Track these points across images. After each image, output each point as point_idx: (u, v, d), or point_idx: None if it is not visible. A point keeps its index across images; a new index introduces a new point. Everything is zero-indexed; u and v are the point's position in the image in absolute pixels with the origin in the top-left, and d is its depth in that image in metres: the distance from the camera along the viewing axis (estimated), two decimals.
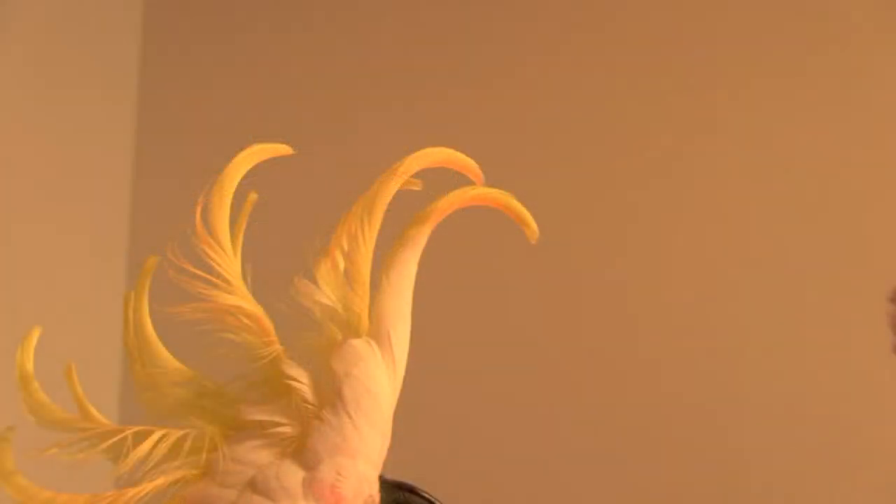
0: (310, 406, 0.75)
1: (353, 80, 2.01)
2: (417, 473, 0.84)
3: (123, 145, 2.09)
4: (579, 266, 1.86)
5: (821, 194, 1.78)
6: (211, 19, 2.11)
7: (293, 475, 0.74)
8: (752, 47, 1.83)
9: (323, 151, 1.95)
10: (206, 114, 2.07)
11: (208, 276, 0.75)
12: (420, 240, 0.79)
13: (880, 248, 1.73)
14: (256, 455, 0.75)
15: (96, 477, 0.79)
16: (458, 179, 0.80)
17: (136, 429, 0.75)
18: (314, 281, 0.77)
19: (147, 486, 0.74)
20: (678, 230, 1.84)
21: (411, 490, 0.79)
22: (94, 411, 0.76)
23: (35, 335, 0.78)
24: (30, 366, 0.78)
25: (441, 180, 0.80)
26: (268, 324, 0.76)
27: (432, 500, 0.79)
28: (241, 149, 0.78)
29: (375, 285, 0.77)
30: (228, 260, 0.76)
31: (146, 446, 0.74)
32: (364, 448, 0.75)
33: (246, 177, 0.78)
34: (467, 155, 0.80)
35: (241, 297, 0.75)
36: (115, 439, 0.75)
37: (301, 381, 0.75)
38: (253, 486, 0.74)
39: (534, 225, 0.80)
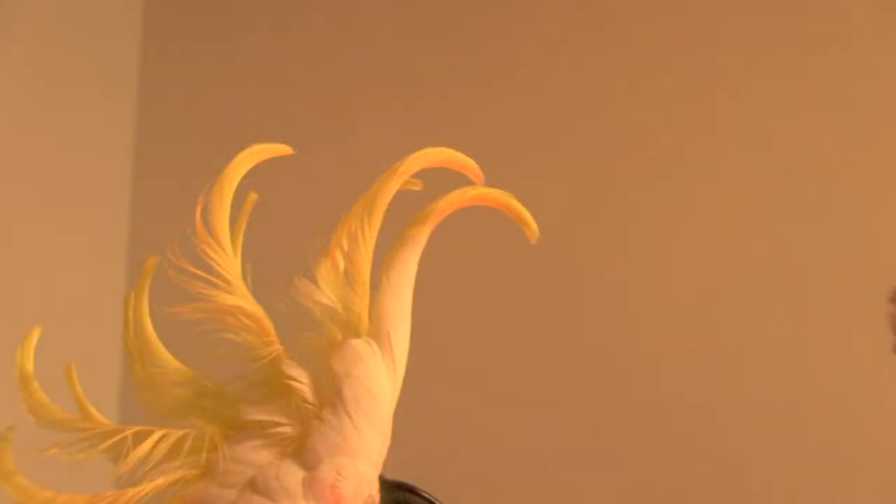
0: (310, 406, 0.75)
1: (353, 80, 2.01)
2: (417, 473, 0.84)
3: (123, 145, 2.09)
4: (579, 266, 1.86)
5: (821, 194, 1.78)
6: (211, 19, 2.11)
7: (293, 475, 0.74)
8: (752, 47, 1.83)
9: (323, 151, 1.95)
10: (206, 114, 2.07)
11: (208, 276, 0.75)
12: (420, 240, 0.79)
13: (880, 248, 1.73)
14: (256, 455, 0.75)
15: (96, 477, 0.79)
16: (458, 179, 0.80)
17: (136, 429, 0.75)
18: (314, 281, 0.77)
19: (147, 486, 0.74)
20: (678, 230, 1.84)
21: (411, 490, 0.79)
22: (94, 411, 0.76)
23: (35, 335, 0.78)
24: (30, 366, 0.78)
25: (441, 180, 0.80)
26: (268, 324, 0.76)
27: (432, 500, 0.79)
28: (241, 149, 0.78)
29: (375, 285, 0.77)
30: (228, 260, 0.76)
31: (146, 446, 0.74)
32: (364, 448, 0.75)
33: (246, 177, 0.78)
34: (467, 155, 0.80)
35: (241, 297, 0.75)
36: (115, 439, 0.75)
37: (301, 381, 0.75)
38: (253, 486, 0.74)
39: (534, 225, 0.80)
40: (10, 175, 1.87)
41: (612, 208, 1.87)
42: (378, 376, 0.76)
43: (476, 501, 1.79)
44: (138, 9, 2.12)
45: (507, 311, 1.89)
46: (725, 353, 1.78)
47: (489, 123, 1.92)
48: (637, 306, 1.83)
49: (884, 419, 1.70)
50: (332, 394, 0.75)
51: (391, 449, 0.77)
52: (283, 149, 0.79)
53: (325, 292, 0.77)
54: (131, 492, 0.74)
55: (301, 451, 0.74)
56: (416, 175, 0.79)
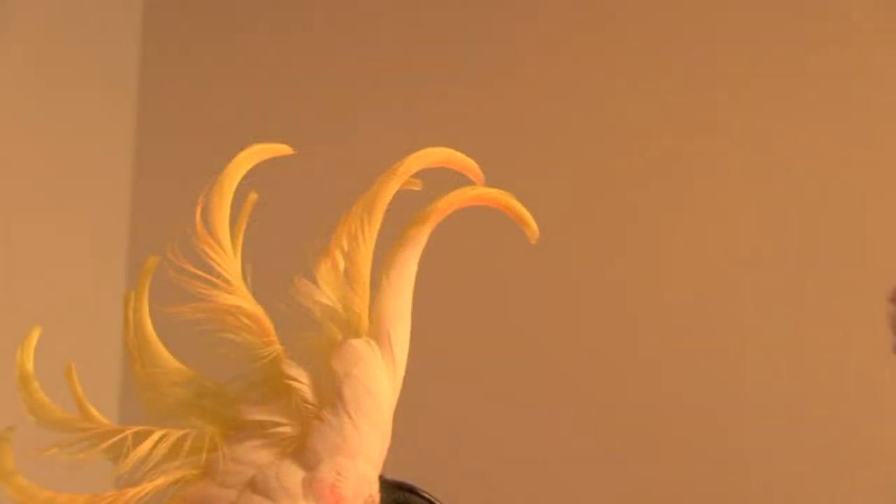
0: (310, 406, 0.75)
1: (353, 80, 2.01)
2: (417, 473, 0.84)
3: (123, 145, 2.09)
4: (579, 266, 1.86)
5: (821, 194, 1.78)
6: (211, 19, 2.11)
7: (293, 475, 0.74)
8: (752, 47, 1.83)
9: (323, 151, 1.95)
10: (206, 114, 2.07)
11: (208, 276, 0.75)
12: (420, 240, 0.79)
13: (880, 248, 1.73)
14: (256, 455, 0.75)
15: (96, 477, 0.79)
16: (458, 179, 0.80)
17: (136, 429, 0.75)
18: (314, 281, 0.77)
19: (147, 486, 0.74)
20: (678, 230, 1.84)
21: (411, 490, 0.79)
22: (94, 411, 0.76)
23: (35, 335, 0.78)
24: (30, 366, 0.78)
25: (441, 180, 0.80)
26: (268, 324, 0.76)
27: (432, 500, 0.79)
28: (241, 149, 0.78)
29: (375, 285, 0.77)
30: (228, 260, 0.76)
31: (146, 446, 0.74)
32: (364, 448, 0.75)
33: (246, 177, 0.78)
34: (467, 155, 0.80)
35: (241, 297, 0.75)
36: (115, 439, 0.75)
37: (301, 381, 0.75)
38: (253, 486, 0.74)
39: (534, 225, 0.80)
40: (10, 175, 1.87)
41: (612, 208, 1.87)
42: (378, 376, 0.76)
43: (476, 501, 1.79)
44: (138, 9, 2.12)
45: (507, 311, 1.89)
46: (725, 354, 1.78)
47: (489, 123, 1.92)
48: (637, 306, 1.83)
49: (884, 419, 1.70)
50: (332, 394, 0.75)
51: (391, 449, 0.77)
52: (283, 149, 0.79)
53: (325, 292, 0.77)
54: (131, 492, 0.74)
55: (301, 451, 0.74)
56: (416, 175, 0.79)
